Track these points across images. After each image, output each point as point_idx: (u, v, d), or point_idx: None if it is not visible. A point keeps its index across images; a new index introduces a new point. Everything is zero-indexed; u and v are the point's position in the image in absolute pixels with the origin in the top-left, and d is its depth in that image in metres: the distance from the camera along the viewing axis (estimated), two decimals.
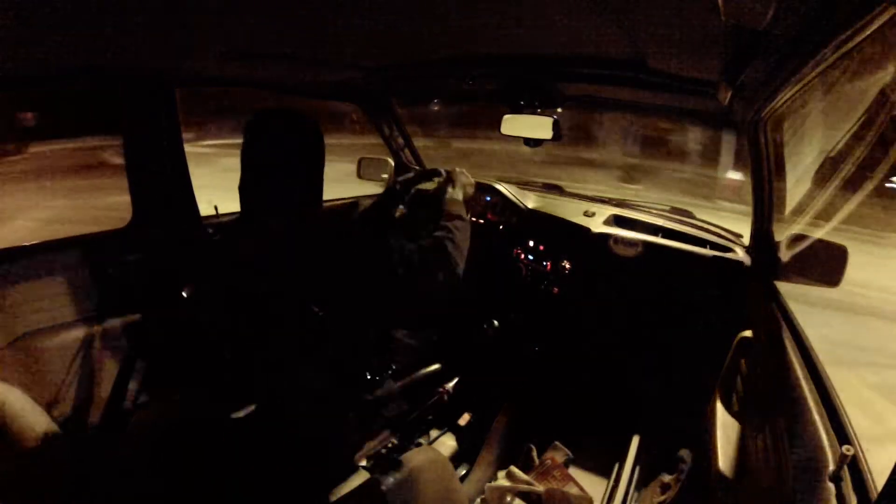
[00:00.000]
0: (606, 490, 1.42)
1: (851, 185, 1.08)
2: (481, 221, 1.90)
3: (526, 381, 1.78)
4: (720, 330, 1.26)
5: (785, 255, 1.19)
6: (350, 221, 1.77)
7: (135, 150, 1.27)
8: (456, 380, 1.65)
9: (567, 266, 1.73)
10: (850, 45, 0.55)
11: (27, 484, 0.92)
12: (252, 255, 0.86)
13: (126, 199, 1.28)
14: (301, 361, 0.87)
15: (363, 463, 1.18)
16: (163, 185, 1.32)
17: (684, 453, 1.32)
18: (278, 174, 0.84)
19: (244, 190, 0.86)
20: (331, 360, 0.90)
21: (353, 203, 2.07)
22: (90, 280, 1.21)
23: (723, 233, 1.61)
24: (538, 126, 1.42)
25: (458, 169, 1.30)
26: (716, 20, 0.60)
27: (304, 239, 0.86)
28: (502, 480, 1.41)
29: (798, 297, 1.15)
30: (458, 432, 1.67)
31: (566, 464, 1.51)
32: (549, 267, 1.77)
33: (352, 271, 0.86)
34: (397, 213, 1.39)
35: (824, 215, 1.21)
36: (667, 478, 1.36)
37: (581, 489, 1.39)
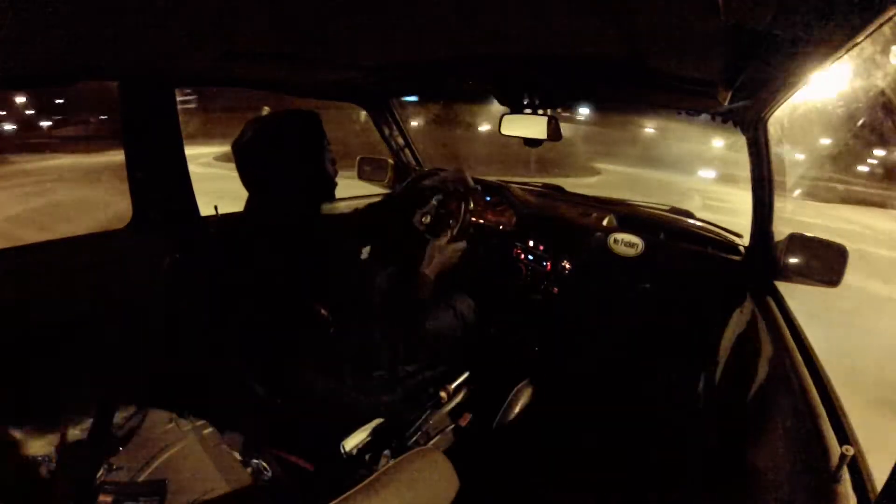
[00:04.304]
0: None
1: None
2: (481, 221, 1.90)
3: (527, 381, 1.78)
4: (720, 329, 1.26)
5: (785, 254, 1.19)
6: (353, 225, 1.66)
7: (135, 150, 1.27)
8: (457, 381, 1.64)
9: (567, 266, 1.72)
10: (850, 44, 0.55)
11: (25, 487, 0.92)
12: (258, 254, 0.86)
13: None
14: (304, 361, 0.87)
15: (362, 465, 1.18)
16: (163, 185, 1.32)
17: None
18: (276, 182, 0.85)
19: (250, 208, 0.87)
20: (334, 361, 0.89)
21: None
22: (90, 280, 1.21)
23: (723, 232, 1.61)
24: (538, 126, 1.41)
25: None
26: (716, 20, 0.60)
27: (307, 239, 0.86)
28: None
29: None
30: (459, 433, 1.66)
31: None
32: (549, 267, 1.77)
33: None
34: (424, 220, 1.40)
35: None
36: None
37: None
